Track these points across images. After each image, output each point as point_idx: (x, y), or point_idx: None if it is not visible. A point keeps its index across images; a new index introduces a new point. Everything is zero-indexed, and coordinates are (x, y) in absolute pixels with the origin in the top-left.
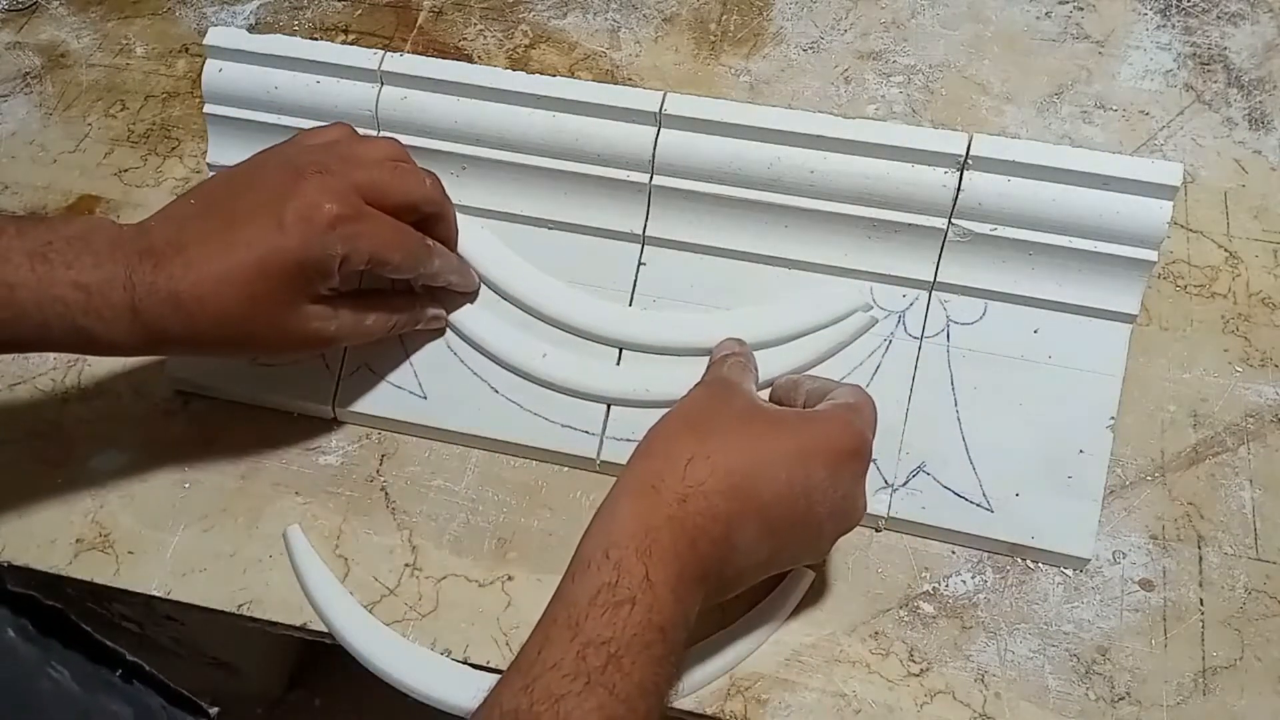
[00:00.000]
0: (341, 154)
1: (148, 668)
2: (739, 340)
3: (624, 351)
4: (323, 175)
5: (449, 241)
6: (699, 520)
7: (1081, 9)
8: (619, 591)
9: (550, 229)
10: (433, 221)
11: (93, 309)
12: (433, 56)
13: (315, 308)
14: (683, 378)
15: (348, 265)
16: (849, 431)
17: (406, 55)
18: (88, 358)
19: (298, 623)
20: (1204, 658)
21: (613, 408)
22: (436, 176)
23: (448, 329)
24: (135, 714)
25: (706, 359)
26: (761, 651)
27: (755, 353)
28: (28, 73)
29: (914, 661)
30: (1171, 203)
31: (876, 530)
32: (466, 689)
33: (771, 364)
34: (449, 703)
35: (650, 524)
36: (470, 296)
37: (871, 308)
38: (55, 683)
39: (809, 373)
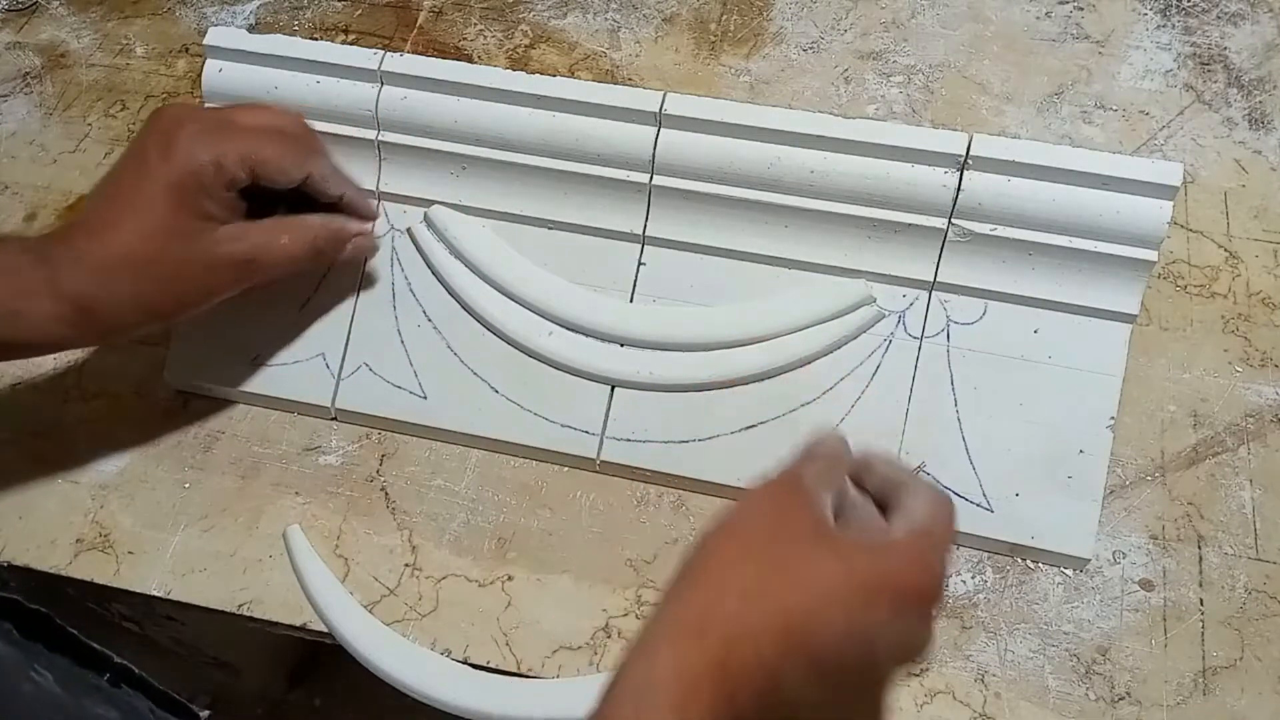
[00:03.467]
0: (196, 106)
1: (136, 671)
2: (841, 439)
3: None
4: (176, 108)
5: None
6: (742, 669)
7: (1081, 9)
8: None
9: (550, 229)
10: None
11: (16, 290)
12: (433, 56)
13: (221, 230)
14: (687, 363)
15: (224, 172)
16: (924, 571)
17: (406, 55)
18: (88, 355)
19: (298, 623)
20: (1204, 658)
21: (613, 407)
22: (300, 116)
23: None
24: (122, 717)
25: (708, 353)
26: None
27: (760, 345)
28: (28, 73)
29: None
30: (1171, 203)
31: None
32: (466, 689)
33: (775, 356)
34: (449, 702)
35: (690, 675)
36: (372, 240)
37: (875, 301)
38: (38, 686)
39: (882, 454)
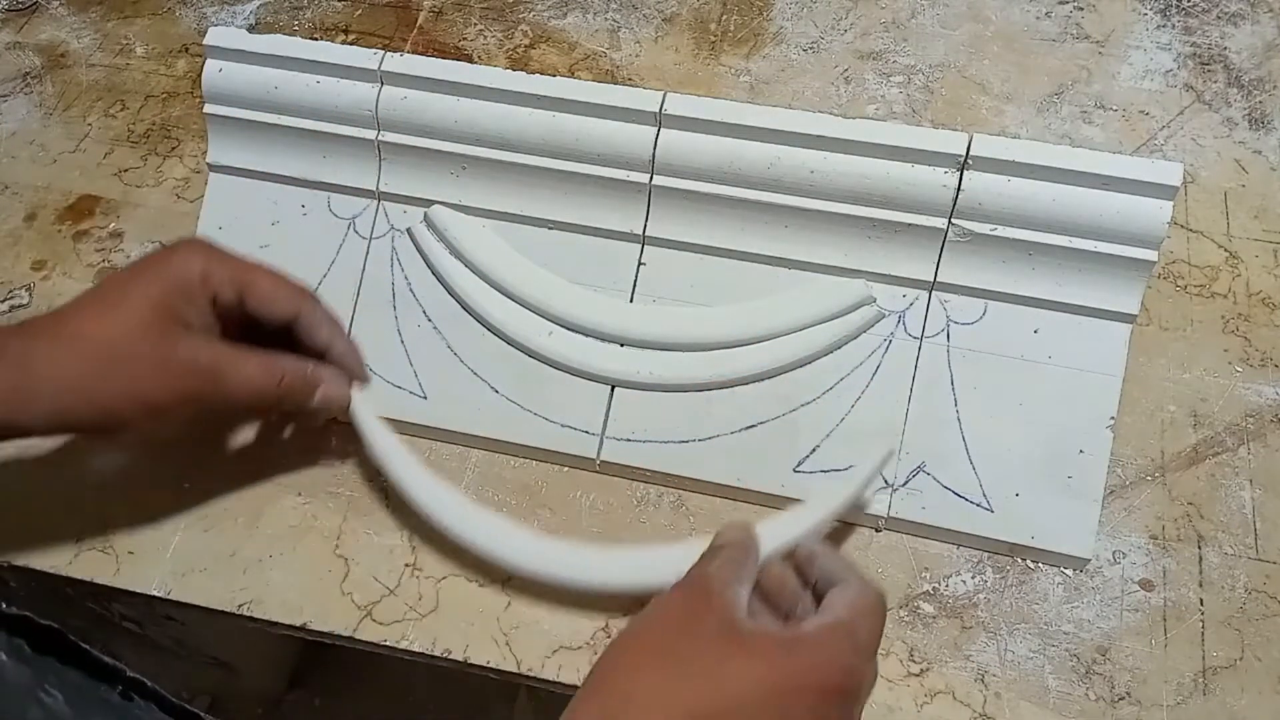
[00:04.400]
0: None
1: (150, 684)
2: (744, 527)
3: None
4: (192, 240)
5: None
6: None
7: (1081, 9)
8: None
9: (550, 229)
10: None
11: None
12: (433, 56)
13: (191, 338)
14: (687, 363)
15: (209, 285)
16: (838, 666)
17: (406, 55)
18: None
19: (298, 623)
20: (1204, 658)
21: (613, 407)
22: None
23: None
24: None
25: (708, 353)
26: None
27: (760, 345)
28: (28, 73)
29: (914, 661)
30: (1171, 203)
31: (876, 530)
32: (524, 552)
33: (775, 356)
34: (510, 561)
35: None
36: (356, 387)
37: (875, 301)
38: (46, 708)
39: (819, 527)
